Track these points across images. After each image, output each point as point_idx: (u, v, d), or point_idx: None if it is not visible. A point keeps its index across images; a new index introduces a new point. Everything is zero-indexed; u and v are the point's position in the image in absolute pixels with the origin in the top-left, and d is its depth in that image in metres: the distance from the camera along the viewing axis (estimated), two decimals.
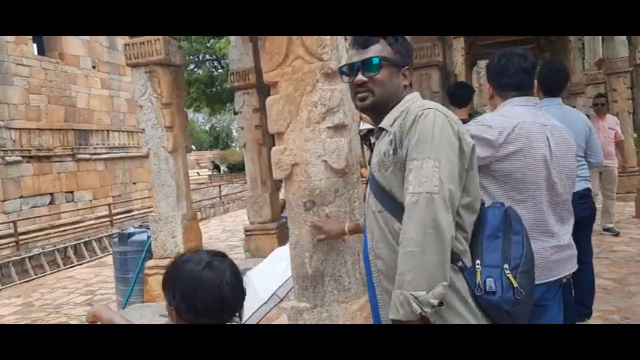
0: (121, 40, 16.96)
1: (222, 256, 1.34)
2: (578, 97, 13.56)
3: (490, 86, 2.29)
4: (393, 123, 1.49)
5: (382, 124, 1.53)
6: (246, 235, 6.89)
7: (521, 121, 2.05)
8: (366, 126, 2.74)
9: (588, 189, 3.43)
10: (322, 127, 2.18)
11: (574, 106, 12.82)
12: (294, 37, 2.17)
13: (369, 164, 1.68)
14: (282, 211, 7.38)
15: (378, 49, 1.53)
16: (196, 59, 28.35)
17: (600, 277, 4.49)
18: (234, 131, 79.40)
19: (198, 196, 20.17)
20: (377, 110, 1.57)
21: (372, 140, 1.71)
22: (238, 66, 6.67)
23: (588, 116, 4.92)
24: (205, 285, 1.24)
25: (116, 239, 5.48)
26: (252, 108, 6.67)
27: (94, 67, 15.81)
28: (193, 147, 59.11)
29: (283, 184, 7.23)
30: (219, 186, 18.12)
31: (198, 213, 15.05)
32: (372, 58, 1.53)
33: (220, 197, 16.90)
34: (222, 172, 33.08)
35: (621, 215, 7.56)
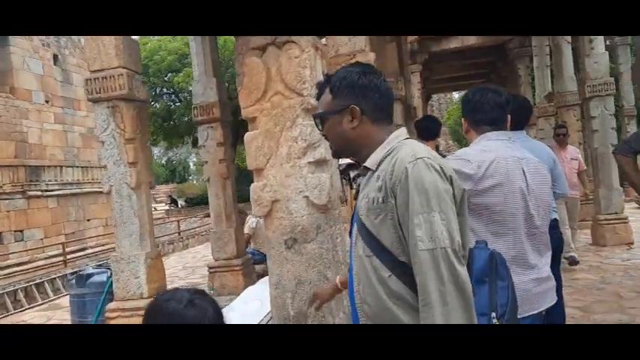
0: (76, 75, 16.66)
1: (202, 293, 1.32)
2: (529, 129, 14.15)
3: (465, 121, 2.32)
4: (380, 164, 1.42)
5: (367, 164, 1.46)
6: (210, 272, 6.70)
7: (498, 155, 2.08)
8: (345, 161, 2.73)
9: (556, 220, 3.51)
10: (303, 162, 2.14)
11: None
12: (273, 73, 2.15)
13: (349, 201, 1.65)
14: (246, 246, 7.25)
15: (322, 101, 1.51)
16: (154, 93, 28.06)
17: (566, 306, 4.56)
18: (191, 164, 78.55)
19: (156, 232, 19.67)
20: (347, 155, 1.55)
21: (352, 175, 1.68)
22: (202, 100, 6.61)
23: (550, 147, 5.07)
24: (188, 323, 1.22)
25: (73, 281, 5.21)
26: (216, 142, 6.59)
27: (47, 102, 15.36)
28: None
29: (249, 220, 7.10)
30: (178, 221, 17.68)
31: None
32: (313, 116, 1.54)
33: (179, 233, 16.47)
34: (179, 206, 32.41)
35: (578, 243, 7.79)
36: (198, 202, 29.39)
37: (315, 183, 2.13)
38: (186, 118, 28.40)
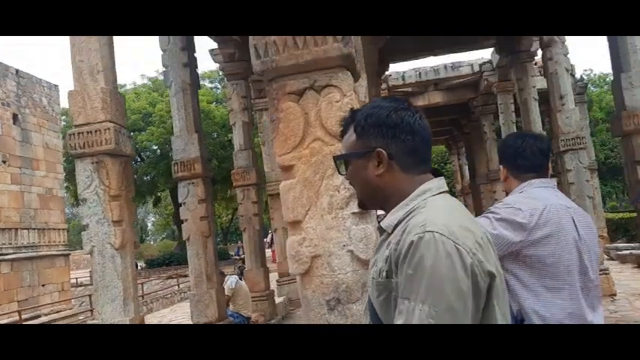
0: (35, 134, 16.12)
1: None
2: (497, 183, 14.46)
3: (504, 168, 2.22)
4: (395, 227, 1.19)
5: (383, 224, 1.24)
6: None
7: (548, 203, 1.97)
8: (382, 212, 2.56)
9: None
10: (346, 213, 1.97)
11: (494, 192, 13.56)
12: (312, 118, 2.01)
13: None
14: (226, 307, 6.86)
15: (346, 141, 1.29)
16: None
17: None
18: (149, 225, 76.50)
19: None
20: (373, 206, 1.35)
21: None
22: (182, 156, 6.39)
23: None
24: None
25: None
26: (197, 199, 6.33)
27: (4, 162, 14.71)
28: None
29: (228, 281, 6.76)
30: (142, 284, 16.83)
31: None
32: (333, 158, 1.34)
33: (142, 296, 15.63)
34: (139, 268, 31.10)
35: None
36: (160, 263, 28.32)
37: (360, 236, 1.96)
38: (147, 177, 27.89)
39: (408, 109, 1.25)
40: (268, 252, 18.56)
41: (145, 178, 26.99)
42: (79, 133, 4.22)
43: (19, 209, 14.98)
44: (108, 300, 4.17)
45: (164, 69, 6.64)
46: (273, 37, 1.94)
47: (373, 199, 1.27)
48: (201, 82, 28.38)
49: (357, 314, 1.95)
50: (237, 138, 8.73)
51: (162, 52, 6.54)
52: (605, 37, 6.30)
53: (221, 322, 6.27)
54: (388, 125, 1.21)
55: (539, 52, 8.90)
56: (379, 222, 1.39)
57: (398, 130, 1.21)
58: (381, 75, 9.39)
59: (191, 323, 6.42)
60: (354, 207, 1.97)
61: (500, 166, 2.25)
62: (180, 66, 6.48)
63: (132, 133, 25.81)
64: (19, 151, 15.35)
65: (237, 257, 18.10)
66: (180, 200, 6.42)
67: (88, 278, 24.57)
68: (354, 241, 1.95)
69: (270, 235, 20.42)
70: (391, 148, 1.20)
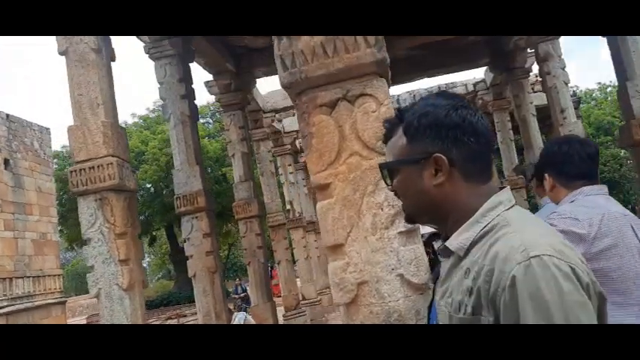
0: (27, 179, 15.87)
1: None
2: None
3: (550, 177, 2.06)
4: (469, 249, 1.01)
5: (451, 245, 1.04)
6: None
7: (605, 211, 1.81)
8: (425, 229, 2.37)
9: None
10: (392, 233, 1.79)
11: None
12: (347, 131, 1.84)
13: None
14: None
15: (393, 146, 1.12)
16: None
17: None
18: (144, 265, 75.35)
19: None
20: (424, 221, 1.15)
21: (436, 246, 1.31)
22: (185, 189, 6.19)
23: None
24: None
25: None
26: (201, 233, 6.10)
27: None
28: None
29: (236, 318, 6.50)
30: None
31: None
32: (379, 165, 1.17)
33: None
34: None
35: None
36: (157, 304, 27.68)
37: (410, 257, 1.77)
38: (142, 217, 27.55)
39: (467, 106, 1.07)
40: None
41: (139, 218, 26.70)
42: (80, 170, 4.03)
43: (12, 257, 14.62)
44: None
45: (162, 101, 6.50)
46: (300, 46, 1.79)
47: (427, 213, 1.09)
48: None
49: None
50: (237, 169, 8.55)
51: (159, 85, 6.42)
52: (584, 51, 6.26)
53: None
54: (448, 126, 1.03)
55: (535, 68, 8.89)
56: (424, 240, 1.22)
57: (459, 132, 1.03)
58: None
59: None
60: (400, 226, 1.79)
61: (545, 175, 2.08)
62: (178, 98, 6.35)
63: None
64: (12, 197, 15.07)
65: (236, 296, 17.52)
66: (184, 236, 6.19)
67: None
68: (404, 264, 1.77)
69: (270, 268, 20.08)
70: (452, 152, 1.03)
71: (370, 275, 1.78)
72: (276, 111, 11.07)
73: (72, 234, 27.16)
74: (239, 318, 6.73)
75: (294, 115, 12.89)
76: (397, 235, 1.78)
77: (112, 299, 3.96)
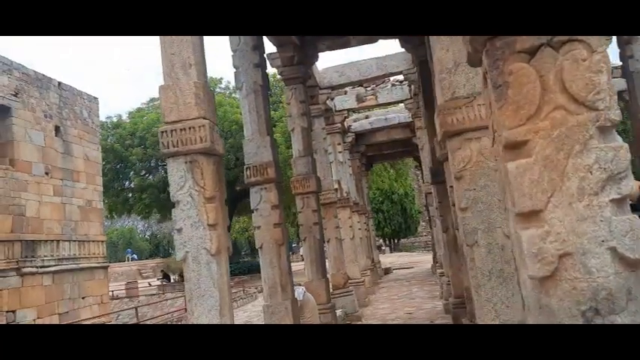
0: (76, 146, 16.09)
1: None
2: None
3: None
4: None
5: None
6: None
7: None
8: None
9: None
10: (603, 200, 1.56)
11: None
12: (550, 82, 1.62)
13: None
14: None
15: None
16: (148, 165, 27.57)
17: None
18: None
19: (157, 310, 18.40)
20: None
21: None
22: (255, 160, 6.07)
23: None
24: None
25: None
26: (270, 205, 5.99)
27: (46, 174, 14.65)
28: (135, 256, 56.10)
29: (296, 293, 6.38)
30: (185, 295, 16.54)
31: None
32: None
33: (186, 309, 15.33)
34: (172, 281, 30.92)
35: None
36: None
37: (625, 229, 1.55)
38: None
39: None
40: (300, 265, 18.14)
41: None
42: (172, 131, 3.91)
43: (60, 221, 14.90)
44: (204, 310, 3.82)
45: (234, 70, 6.35)
46: None
47: None
48: (226, 84, 28.10)
49: None
50: (297, 144, 8.40)
51: (232, 53, 6.26)
52: None
53: None
54: None
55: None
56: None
57: None
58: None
59: None
60: (613, 192, 1.57)
61: None
62: (251, 66, 6.20)
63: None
64: (61, 163, 15.30)
65: None
66: (252, 206, 6.09)
67: (123, 291, 24.49)
68: (617, 236, 1.55)
69: (302, 249, 20.00)
70: None
71: (575, 247, 1.56)
72: (333, 88, 10.84)
73: (112, 204, 27.70)
74: (298, 293, 6.60)
75: (345, 93, 12.63)
76: (609, 203, 1.56)
77: (200, 263, 3.86)
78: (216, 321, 3.81)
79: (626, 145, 1.58)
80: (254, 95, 6.16)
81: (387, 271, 21.95)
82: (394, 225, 38.38)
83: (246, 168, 6.07)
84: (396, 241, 43.64)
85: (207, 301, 3.83)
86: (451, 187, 5.79)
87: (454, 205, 5.79)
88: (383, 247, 39.10)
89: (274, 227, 5.96)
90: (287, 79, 8.53)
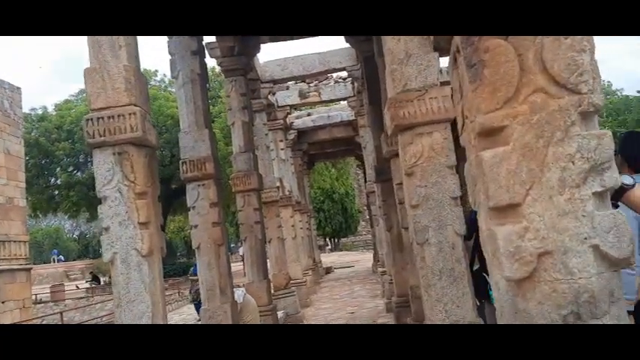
0: None
1: None
2: None
3: None
4: None
5: None
6: None
7: None
8: (627, 180, 1.94)
9: None
10: (585, 193, 1.41)
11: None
12: (530, 62, 1.45)
13: None
14: None
15: None
16: (76, 161, 26.13)
17: None
18: None
19: (86, 316, 17.41)
20: None
21: None
22: (192, 154, 5.70)
23: None
24: None
25: None
26: (208, 202, 5.64)
27: None
28: (62, 257, 53.16)
29: (235, 295, 6.08)
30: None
31: None
32: None
33: None
34: (102, 283, 29.43)
35: None
36: None
37: (609, 225, 1.40)
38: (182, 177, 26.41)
39: None
40: (239, 265, 17.64)
41: None
42: (98, 119, 3.52)
43: None
44: (134, 317, 3.46)
45: (170, 57, 5.95)
46: None
47: None
48: (162, 77, 27.00)
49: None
50: (237, 139, 8.07)
51: (168, 39, 5.86)
52: None
53: None
54: None
55: None
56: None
57: None
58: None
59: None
60: (596, 185, 1.42)
61: None
62: (188, 54, 5.82)
63: None
64: None
65: (194, 277, 15.38)
66: (189, 204, 5.72)
67: (48, 295, 23.02)
68: (600, 233, 1.40)
69: (241, 249, 19.50)
70: None
71: (556, 244, 1.40)
72: (275, 82, 10.56)
73: (36, 201, 26.04)
74: (237, 295, 6.30)
75: (287, 88, 12.38)
76: (592, 196, 1.41)
77: (129, 265, 3.49)
78: None
79: (609, 133, 1.44)
80: (191, 85, 5.79)
81: (329, 270, 21.89)
82: (335, 224, 38.49)
83: (182, 163, 5.69)
84: (336, 240, 43.87)
85: (137, 307, 3.47)
86: (398, 184, 5.68)
87: (401, 203, 5.68)
88: (327, 247, 39.19)
89: (213, 226, 5.62)
90: (227, 70, 8.17)
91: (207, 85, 6.57)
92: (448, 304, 3.45)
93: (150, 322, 3.46)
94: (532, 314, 1.43)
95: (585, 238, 1.40)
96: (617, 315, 1.41)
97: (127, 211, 3.51)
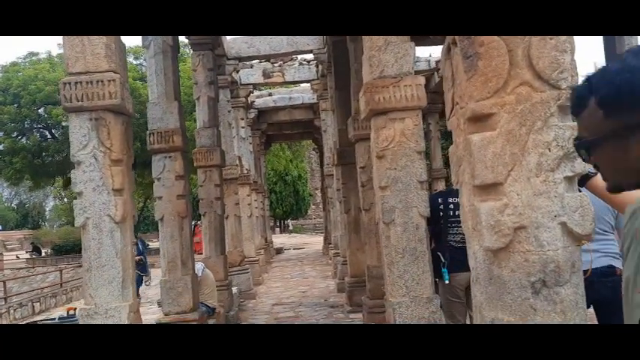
0: None
1: None
2: (438, 181, 14.71)
3: None
4: None
5: None
6: None
7: None
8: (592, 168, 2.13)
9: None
10: (558, 177, 1.62)
11: (435, 190, 13.67)
12: (519, 57, 1.63)
13: None
14: None
15: (586, 119, 1.00)
16: (21, 127, 24.95)
17: None
18: (47, 209, 71.01)
19: (26, 286, 16.87)
20: (633, 188, 1.03)
21: None
22: (159, 125, 5.67)
23: None
24: None
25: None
26: (174, 174, 5.65)
27: None
28: None
29: (195, 269, 6.12)
30: (60, 271, 15.30)
31: (37, 304, 12.39)
32: (575, 142, 1.08)
33: (61, 284, 14.17)
34: (42, 254, 28.49)
35: None
36: (68, 250, 26.09)
37: (576, 205, 1.61)
38: (58, 157, 25.48)
39: None
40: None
41: (55, 157, 24.67)
42: (76, 83, 3.49)
43: None
44: (104, 282, 3.49)
45: None
46: None
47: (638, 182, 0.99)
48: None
49: (566, 300, 1.60)
50: (201, 114, 8.04)
51: None
52: None
53: (195, 312, 5.65)
54: None
55: None
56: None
57: None
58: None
59: (159, 313, 5.73)
60: (567, 170, 1.62)
61: None
62: None
63: (46, 107, 23.57)
64: None
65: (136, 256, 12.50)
66: (154, 175, 5.70)
67: None
68: (568, 212, 1.61)
69: (193, 224, 19.32)
70: None
71: (530, 220, 1.60)
72: (240, 59, 10.49)
73: None
74: (197, 268, 6.36)
75: (252, 67, 12.32)
76: (563, 180, 1.61)
77: (102, 231, 3.52)
78: (117, 294, 3.50)
79: None
80: (162, 56, 5.74)
81: (279, 251, 22.07)
82: (286, 206, 38.68)
83: (150, 134, 5.65)
84: (284, 222, 44.08)
85: (107, 272, 3.51)
86: (361, 167, 5.88)
87: (363, 186, 5.89)
88: (276, 228, 39.30)
89: (177, 199, 5.63)
90: (195, 44, 8.10)
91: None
92: (409, 281, 3.68)
93: (119, 288, 3.51)
94: (505, 280, 1.63)
95: (555, 216, 1.61)
96: (576, 283, 1.63)
97: (101, 177, 3.52)
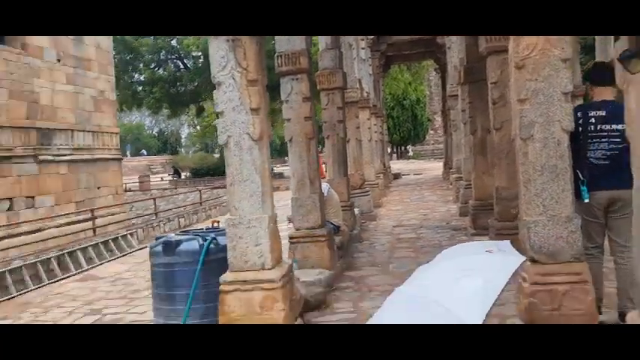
0: None
1: None
2: (575, 99, 13.50)
3: None
4: None
5: None
6: (292, 243, 5.96)
7: None
8: None
9: None
10: None
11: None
12: None
13: None
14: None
15: None
16: (157, 58, 26.88)
17: None
18: (183, 136, 77.28)
19: (170, 203, 18.83)
20: None
21: None
22: (287, 48, 5.78)
23: None
24: None
25: (158, 248, 4.44)
26: (301, 96, 5.79)
27: (58, 61, 14.25)
28: (144, 151, 56.69)
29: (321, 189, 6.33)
30: (200, 190, 16.89)
31: (182, 220, 13.85)
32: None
33: (201, 203, 15.66)
34: (182, 177, 31.44)
35: None
36: (204, 173, 28.43)
37: None
38: (190, 87, 27.26)
39: None
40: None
41: (189, 86, 26.44)
42: None
43: (74, 110, 14.74)
44: (246, 195, 3.79)
45: None
46: None
47: None
48: None
49: None
50: (324, 36, 8.02)
51: None
52: None
53: (322, 228, 5.95)
54: None
55: None
56: None
57: None
58: None
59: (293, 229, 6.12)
60: None
61: None
62: None
63: (177, 37, 25.02)
64: (73, 50, 14.85)
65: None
66: (282, 97, 5.89)
67: (137, 184, 24.94)
68: None
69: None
70: None
71: None
72: None
73: (122, 96, 27.38)
74: (323, 188, 6.61)
75: None
76: None
77: (242, 148, 3.77)
78: (257, 206, 3.78)
79: None
80: None
81: (397, 176, 22.13)
82: (403, 132, 38.18)
83: (278, 56, 5.80)
84: (403, 148, 43.70)
85: (248, 186, 3.79)
86: (493, 83, 5.56)
87: (494, 103, 5.60)
88: (393, 154, 39.25)
89: (305, 120, 5.80)
90: None
91: None
92: (547, 200, 3.51)
93: (260, 201, 3.78)
94: None
95: None
96: None
97: (239, 97, 3.72)
